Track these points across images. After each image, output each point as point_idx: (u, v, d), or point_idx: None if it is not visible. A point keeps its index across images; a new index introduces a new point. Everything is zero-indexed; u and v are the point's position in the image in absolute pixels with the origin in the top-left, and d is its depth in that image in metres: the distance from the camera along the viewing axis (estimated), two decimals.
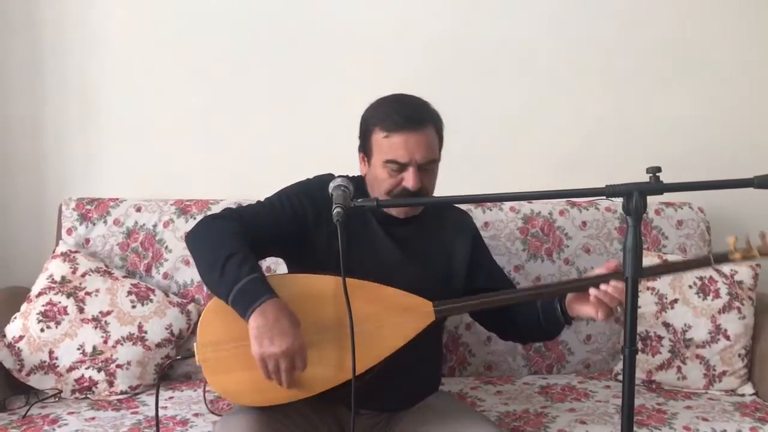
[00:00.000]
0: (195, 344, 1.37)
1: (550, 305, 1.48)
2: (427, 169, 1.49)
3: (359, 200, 1.32)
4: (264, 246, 1.48)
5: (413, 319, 1.41)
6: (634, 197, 1.10)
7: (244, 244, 1.40)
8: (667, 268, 1.53)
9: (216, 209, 2.09)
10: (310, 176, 1.63)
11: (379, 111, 1.51)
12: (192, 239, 1.47)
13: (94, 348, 1.88)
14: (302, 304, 1.35)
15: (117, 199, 2.16)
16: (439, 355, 1.71)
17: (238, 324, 1.33)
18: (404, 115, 1.47)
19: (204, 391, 1.64)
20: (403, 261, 1.52)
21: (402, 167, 1.47)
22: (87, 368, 1.86)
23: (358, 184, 1.57)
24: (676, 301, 2.00)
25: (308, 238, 1.52)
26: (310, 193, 1.55)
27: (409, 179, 1.46)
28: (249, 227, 1.46)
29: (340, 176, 1.60)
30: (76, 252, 2.03)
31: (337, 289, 1.35)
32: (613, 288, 1.35)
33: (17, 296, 1.99)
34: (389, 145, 1.47)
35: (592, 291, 1.36)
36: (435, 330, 1.64)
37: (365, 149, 1.54)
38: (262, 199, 1.57)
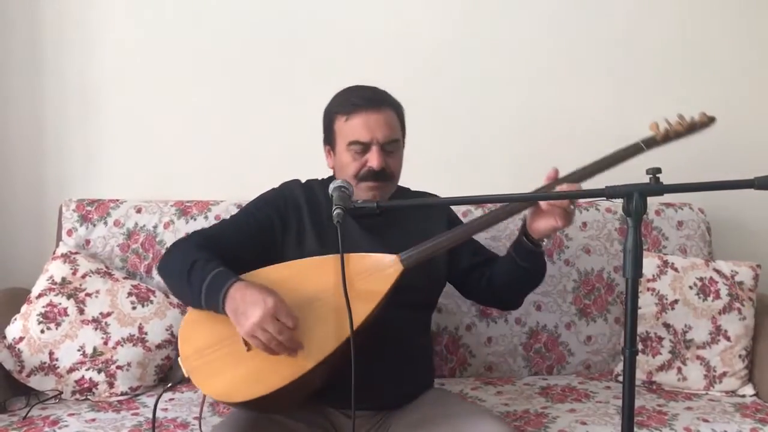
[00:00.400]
0: (179, 359, 1.37)
1: (518, 243, 1.50)
2: (391, 150, 1.52)
3: (359, 201, 1.32)
4: (236, 262, 1.47)
5: (383, 275, 1.39)
6: (634, 198, 1.10)
7: (207, 252, 1.42)
8: (597, 166, 1.48)
9: (216, 210, 2.10)
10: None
11: (338, 99, 1.57)
12: (161, 267, 1.51)
13: (95, 349, 1.88)
14: (280, 287, 1.35)
15: (117, 200, 2.16)
16: (428, 348, 1.69)
17: (216, 327, 1.35)
18: (363, 97, 1.52)
19: (201, 412, 1.60)
20: (379, 251, 1.49)
21: (365, 147, 1.50)
22: (87, 369, 1.86)
23: (327, 183, 1.59)
24: (676, 301, 2.00)
25: (278, 247, 1.55)
26: (274, 203, 1.58)
27: (372, 159, 1.49)
28: (216, 244, 1.48)
29: (309, 180, 1.64)
30: (76, 253, 2.03)
31: (308, 266, 1.41)
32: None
33: (17, 297, 1.99)
34: (350, 127, 1.51)
35: (542, 202, 1.38)
36: (421, 322, 1.64)
37: (329, 140, 1.58)
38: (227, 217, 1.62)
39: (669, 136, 1.48)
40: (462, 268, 1.65)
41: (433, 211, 1.68)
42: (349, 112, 1.52)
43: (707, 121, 1.51)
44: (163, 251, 2.06)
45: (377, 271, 1.40)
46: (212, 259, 1.39)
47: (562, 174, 1.44)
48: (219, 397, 1.35)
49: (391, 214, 1.59)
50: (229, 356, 1.34)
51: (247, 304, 1.28)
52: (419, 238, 1.53)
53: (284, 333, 1.28)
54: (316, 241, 1.53)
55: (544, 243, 1.48)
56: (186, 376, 1.36)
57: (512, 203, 1.45)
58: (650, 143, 1.48)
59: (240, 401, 1.34)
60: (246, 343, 1.33)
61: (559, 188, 1.37)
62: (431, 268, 1.57)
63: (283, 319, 1.28)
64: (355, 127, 1.51)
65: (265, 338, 1.27)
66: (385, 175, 1.52)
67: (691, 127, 1.50)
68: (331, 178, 1.63)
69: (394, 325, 1.44)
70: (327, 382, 1.43)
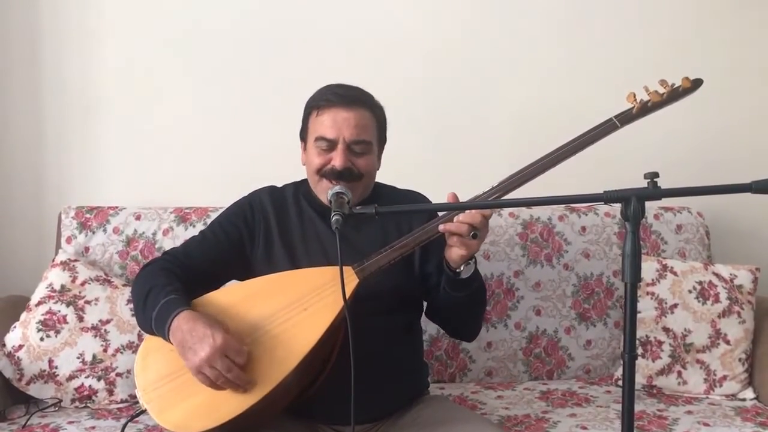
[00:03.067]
0: (137, 392, 1.37)
1: (443, 270, 1.44)
2: (360, 152, 1.49)
3: (358, 207, 1.31)
4: (208, 277, 1.48)
5: (338, 289, 1.30)
6: (632, 203, 1.10)
7: (167, 275, 1.41)
8: (575, 147, 1.43)
9: (215, 216, 2.09)
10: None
11: (317, 94, 1.54)
12: (131, 293, 1.50)
13: (94, 356, 1.87)
14: (228, 313, 1.35)
15: (116, 207, 2.16)
16: (415, 349, 1.65)
17: (167, 358, 1.35)
18: (337, 93, 1.49)
19: None
20: (350, 253, 1.44)
21: (331, 145, 1.47)
22: (87, 377, 1.86)
23: (300, 186, 1.61)
24: (675, 305, 2.00)
25: (248, 256, 1.54)
26: (241, 214, 1.57)
27: (336, 158, 1.46)
28: (184, 263, 1.48)
29: (285, 185, 1.63)
30: (75, 261, 2.02)
31: (261, 287, 1.40)
32: (455, 222, 1.33)
33: (17, 305, 1.99)
34: (320, 122, 1.49)
35: (441, 228, 1.35)
36: (404, 323, 1.59)
37: (303, 135, 1.56)
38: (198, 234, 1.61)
39: (647, 107, 1.37)
40: (427, 272, 1.58)
41: (415, 213, 1.61)
42: (321, 107, 1.49)
43: (691, 86, 1.37)
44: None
45: (331, 285, 1.35)
46: (169, 284, 1.38)
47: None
48: (174, 429, 1.32)
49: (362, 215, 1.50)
50: (183, 386, 1.33)
51: (195, 339, 1.26)
52: (398, 236, 1.47)
53: (233, 371, 1.26)
54: (284, 253, 1.52)
55: (461, 270, 1.41)
56: (144, 408, 1.35)
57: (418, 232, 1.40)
58: (625, 119, 1.38)
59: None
60: None
61: (463, 217, 1.33)
62: (407, 268, 1.54)
63: (232, 355, 1.26)
64: (323, 122, 1.48)
65: (212, 375, 1.26)
66: (352, 175, 1.47)
67: (673, 95, 1.37)
68: (304, 180, 1.61)
69: (374, 333, 1.40)
70: (292, 403, 1.42)
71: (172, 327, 1.30)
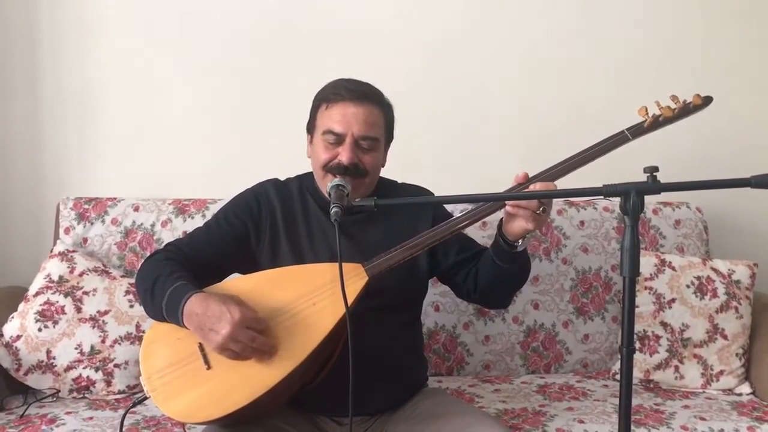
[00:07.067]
0: (141, 379, 1.36)
1: (495, 244, 1.45)
2: (367, 148, 1.49)
3: (357, 200, 1.31)
4: (212, 269, 1.48)
5: (348, 288, 1.31)
6: (632, 197, 1.10)
7: (173, 264, 1.41)
8: (584, 158, 1.43)
9: (214, 208, 2.09)
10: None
11: (326, 87, 1.54)
12: (135, 284, 1.50)
13: (92, 347, 1.88)
14: (246, 299, 1.35)
15: (115, 198, 2.16)
16: (416, 346, 1.66)
17: (174, 346, 1.35)
18: (348, 88, 1.50)
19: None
20: (355, 250, 1.48)
21: (339, 139, 1.48)
22: (85, 368, 1.86)
23: (304, 179, 1.61)
24: (673, 300, 2.00)
25: (253, 250, 1.54)
26: (247, 206, 1.57)
27: (343, 152, 1.46)
28: (189, 254, 1.47)
29: (288, 178, 1.63)
30: (73, 251, 2.02)
31: (272, 278, 1.40)
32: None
33: (15, 296, 1.99)
34: (329, 115, 1.49)
35: (508, 205, 1.35)
36: (405, 322, 1.60)
37: (310, 127, 1.56)
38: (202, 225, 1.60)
39: (659, 121, 1.39)
40: (445, 267, 1.60)
41: (420, 208, 1.63)
42: (331, 101, 1.49)
43: (702, 103, 1.39)
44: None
45: (338, 281, 1.33)
46: (175, 272, 1.38)
47: (541, 169, 1.40)
48: (179, 418, 1.33)
49: (368, 211, 1.50)
50: (188, 375, 1.33)
51: (212, 319, 1.26)
52: (401, 233, 1.49)
53: (257, 339, 1.27)
54: (289, 248, 1.52)
55: (519, 243, 1.41)
56: (148, 396, 1.35)
57: (480, 206, 1.40)
58: (637, 132, 1.40)
59: (198, 422, 1.32)
60: (206, 362, 1.33)
61: (532, 187, 1.33)
62: (412, 267, 1.55)
63: (252, 325, 1.27)
64: (333, 116, 1.48)
65: (238, 348, 1.27)
66: (358, 170, 1.47)
67: (684, 111, 1.39)
68: (309, 174, 1.61)
69: (376, 329, 1.42)
70: (294, 397, 1.42)
71: (185, 312, 1.30)
